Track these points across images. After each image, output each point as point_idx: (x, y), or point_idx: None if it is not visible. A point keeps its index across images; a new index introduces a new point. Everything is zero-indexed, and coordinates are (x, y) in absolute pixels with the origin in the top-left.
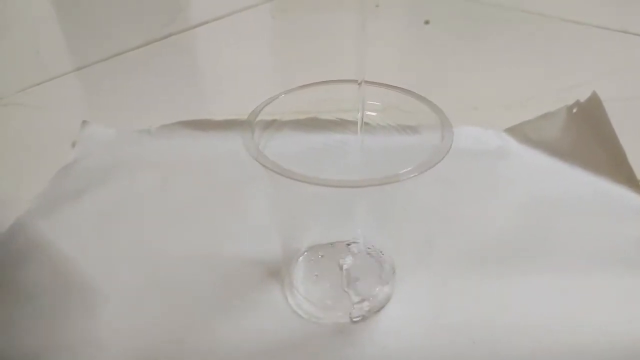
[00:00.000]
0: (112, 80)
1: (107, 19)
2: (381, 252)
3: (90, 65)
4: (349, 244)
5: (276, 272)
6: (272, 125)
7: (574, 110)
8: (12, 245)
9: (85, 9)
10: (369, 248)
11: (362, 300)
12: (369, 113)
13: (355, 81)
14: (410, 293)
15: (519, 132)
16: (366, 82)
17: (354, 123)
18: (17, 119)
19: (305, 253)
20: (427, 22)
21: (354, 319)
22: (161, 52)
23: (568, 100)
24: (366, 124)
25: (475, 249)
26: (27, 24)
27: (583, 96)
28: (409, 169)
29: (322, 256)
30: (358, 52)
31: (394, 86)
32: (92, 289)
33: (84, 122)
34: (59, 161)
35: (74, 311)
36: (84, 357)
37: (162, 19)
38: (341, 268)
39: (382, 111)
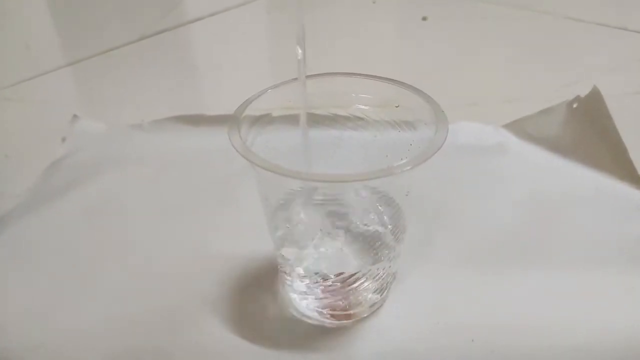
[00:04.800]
0: (104, 76)
1: (100, 14)
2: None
3: (82, 61)
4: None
5: (269, 268)
6: (262, 120)
7: (574, 106)
8: (0, 240)
9: (78, 4)
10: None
11: (359, 302)
12: (362, 107)
13: (347, 74)
14: (409, 291)
15: (518, 127)
16: (360, 74)
17: (347, 117)
18: (7, 114)
19: (299, 249)
20: (424, 19)
21: (349, 320)
22: (155, 47)
23: (568, 96)
24: (360, 118)
25: (474, 246)
26: (17, 18)
27: (583, 92)
28: (401, 162)
29: (316, 251)
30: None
31: (387, 78)
32: (79, 285)
33: (75, 117)
34: (49, 156)
35: (59, 309)
36: (71, 355)
37: (156, 15)
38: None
39: (376, 105)
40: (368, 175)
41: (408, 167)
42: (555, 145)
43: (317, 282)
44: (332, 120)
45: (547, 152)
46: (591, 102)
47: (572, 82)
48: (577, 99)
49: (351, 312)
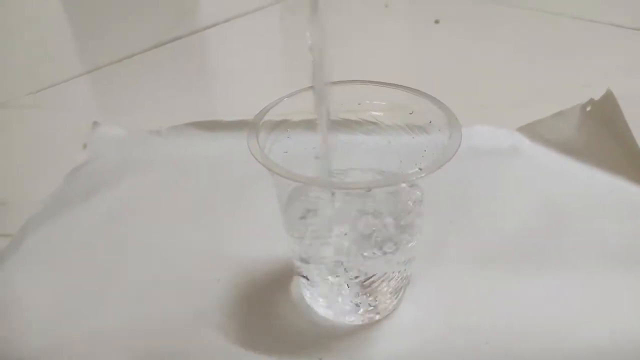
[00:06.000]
0: (122, 82)
1: (118, 21)
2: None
3: (101, 68)
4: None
5: (286, 271)
6: (279, 126)
7: (588, 109)
8: (24, 246)
9: (96, 12)
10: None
11: (373, 306)
12: (375, 113)
13: (360, 81)
14: (423, 293)
15: (531, 131)
16: (373, 82)
17: (360, 123)
18: (28, 121)
19: (316, 252)
20: (437, 22)
21: (364, 322)
22: (171, 54)
23: (582, 99)
24: (373, 123)
25: (488, 249)
26: (38, 26)
27: (597, 95)
28: (416, 169)
29: (332, 254)
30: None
31: (401, 85)
32: (100, 288)
33: (95, 123)
34: (70, 162)
35: (80, 311)
36: (92, 357)
37: (172, 21)
38: (352, 276)
39: (389, 111)
40: (382, 182)
41: (422, 175)
42: (569, 149)
43: (332, 285)
44: (345, 126)
45: (561, 155)
46: (605, 105)
47: (585, 84)
48: (591, 102)
49: (366, 314)
